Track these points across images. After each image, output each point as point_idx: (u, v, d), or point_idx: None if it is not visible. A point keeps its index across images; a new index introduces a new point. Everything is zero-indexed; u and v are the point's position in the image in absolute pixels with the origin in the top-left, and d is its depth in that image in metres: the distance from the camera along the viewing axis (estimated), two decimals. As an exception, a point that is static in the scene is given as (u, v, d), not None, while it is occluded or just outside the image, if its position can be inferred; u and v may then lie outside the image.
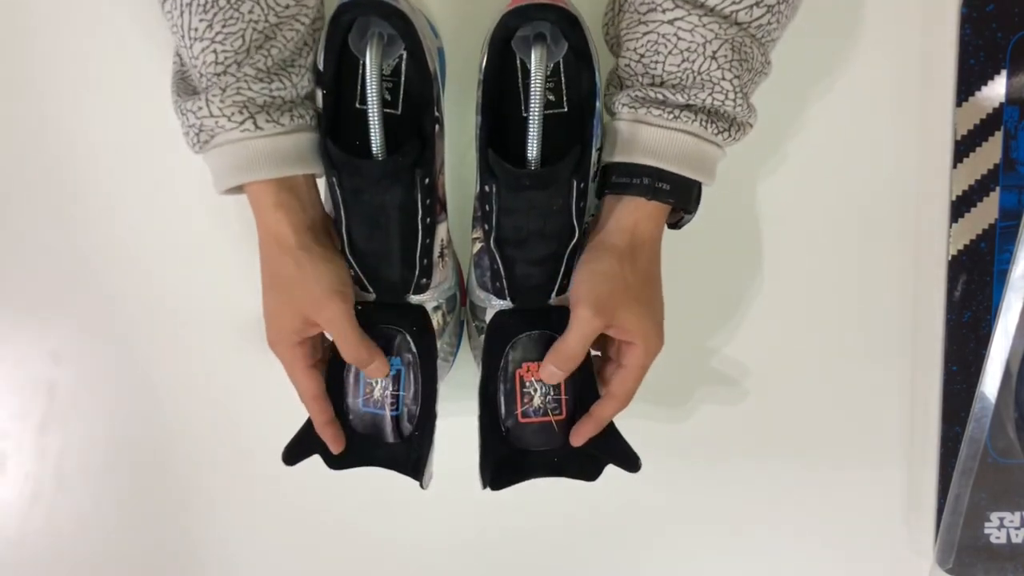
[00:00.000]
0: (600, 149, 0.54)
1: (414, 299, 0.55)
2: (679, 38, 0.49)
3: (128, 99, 0.62)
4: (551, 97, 0.54)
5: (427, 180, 0.51)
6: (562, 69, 0.54)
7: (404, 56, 0.54)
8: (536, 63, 0.50)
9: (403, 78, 0.55)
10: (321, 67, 0.52)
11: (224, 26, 0.48)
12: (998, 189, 0.64)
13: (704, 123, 0.50)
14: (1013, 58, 0.62)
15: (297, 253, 0.51)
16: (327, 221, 0.54)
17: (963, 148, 0.63)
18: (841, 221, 0.64)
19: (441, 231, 0.55)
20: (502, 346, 0.55)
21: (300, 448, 0.56)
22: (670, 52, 0.50)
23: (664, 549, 0.69)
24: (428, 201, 0.52)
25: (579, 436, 0.54)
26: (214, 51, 0.48)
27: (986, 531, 0.66)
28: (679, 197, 0.52)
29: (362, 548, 0.69)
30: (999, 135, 0.63)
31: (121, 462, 0.67)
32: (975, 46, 0.62)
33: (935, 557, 0.67)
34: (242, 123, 0.48)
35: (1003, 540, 0.66)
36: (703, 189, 0.53)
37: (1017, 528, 0.66)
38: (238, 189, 0.51)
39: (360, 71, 0.54)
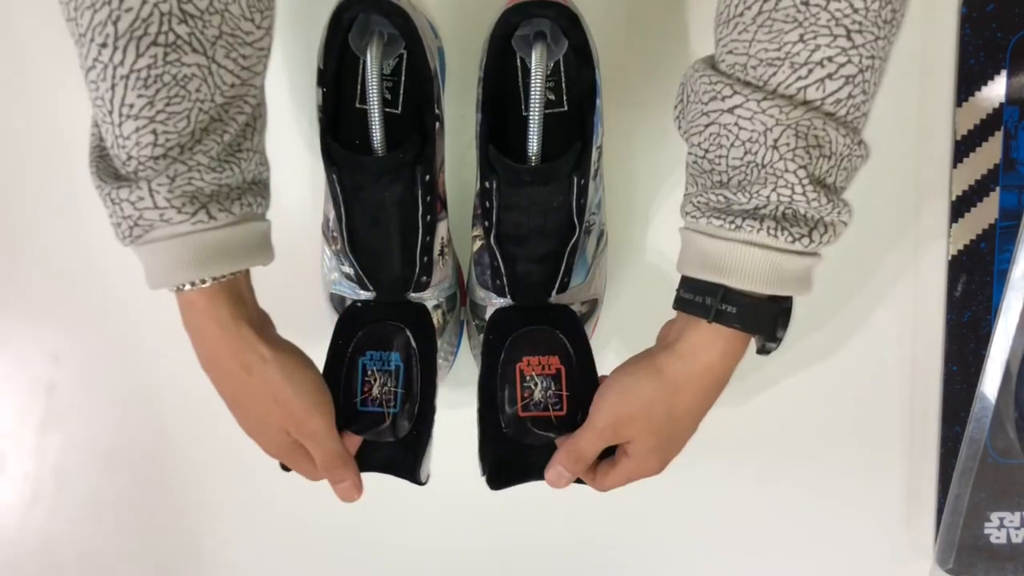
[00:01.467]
0: (600, 147, 0.54)
1: (414, 297, 0.55)
2: (740, 128, 0.42)
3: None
4: (551, 96, 0.54)
5: (427, 177, 0.51)
6: (562, 68, 0.54)
7: (404, 55, 0.54)
8: (536, 61, 0.50)
9: (403, 77, 0.55)
10: (321, 66, 0.52)
11: (168, 104, 0.42)
12: (998, 189, 0.64)
13: (773, 231, 0.43)
14: (1013, 58, 0.62)
15: (260, 368, 0.47)
16: (264, 316, 0.50)
17: (963, 148, 0.63)
18: (841, 221, 0.64)
19: (441, 229, 0.55)
20: (502, 340, 0.55)
21: None
22: (732, 145, 0.43)
23: (663, 549, 0.69)
24: (428, 198, 0.52)
25: (550, 472, 0.52)
26: (153, 131, 0.42)
27: (986, 531, 0.66)
28: (749, 321, 0.45)
29: (363, 548, 0.69)
30: (999, 135, 0.63)
31: (121, 462, 0.67)
32: (975, 46, 0.62)
33: (935, 557, 0.67)
34: (194, 214, 0.43)
35: (1003, 540, 0.66)
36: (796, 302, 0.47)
37: (1017, 528, 0.66)
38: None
39: (360, 70, 0.54)
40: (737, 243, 0.43)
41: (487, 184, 0.51)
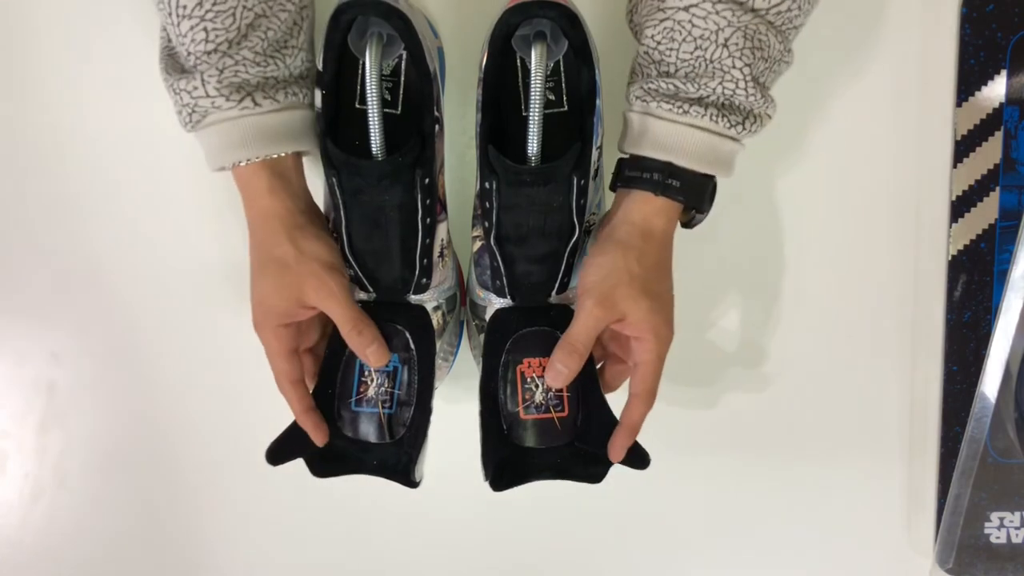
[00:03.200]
0: (600, 147, 0.54)
1: (414, 299, 0.55)
2: (693, 25, 0.48)
3: (129, 99, 0.62)
4: (551, 96, 0.54)
5: (427, 180, 0.51)
6: (562, 68, 0.54)
7: (404, 56, 0.54)
8: (536, 61, 0.50)
9: (403, 78, 0.55)
10: (320, 67, 0.52)
11: (215, 4, 0.47)
12: (998, 189, 0.64)
13: (715, 117, 0.49)
14: (1013, 58, 0.62)
15: (292, 232, 0.51)
16: (315, 205, 0.54)
17: (963, 148, 0.63)
18: (841, 221, 0.64)
19: (441, 231, 0.55)
20: (502, 342, 0.55)
21: (285, 448, 0.55)
22: (684, 40, 0.49)
23: (662, 548, 0.69)
24: (428, 201, 0.52)
25: (617, 449, 0.53)
26: (204, 30, 0.48)
27: (986, 531, 0.66)
28: (689, 195, 0.51)
29: (363, 549, 0.69)
30: (999, 135, 0.63)
31: (121, 462, 0.67)
32: (975, 46, 0.62)
33: (935, 557, 0.67)
34: (240, 102, 0.49)
35: (1003, 540, 0.66)
36: (718, 184, 0.53)
37: (1017, 528, 0.66)
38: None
39: (360, 71, 0.54)
40: (683, 126, 0.50)
41: (487, 185, 0.51)
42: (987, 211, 0.64)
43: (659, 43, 0.50)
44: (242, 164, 0.51)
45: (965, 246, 0.64)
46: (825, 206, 0.64)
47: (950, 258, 0.64)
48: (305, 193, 0.54)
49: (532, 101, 0.50)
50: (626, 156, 0.53)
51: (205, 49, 0.48)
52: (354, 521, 0.68)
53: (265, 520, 0.68)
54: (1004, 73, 0.62)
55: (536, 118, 0.51)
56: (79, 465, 0.67)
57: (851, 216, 0.64)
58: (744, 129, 0.50)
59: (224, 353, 0.65)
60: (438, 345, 0.57)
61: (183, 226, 0.64)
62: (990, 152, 0.63)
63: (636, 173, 0.51)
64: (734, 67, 0.48)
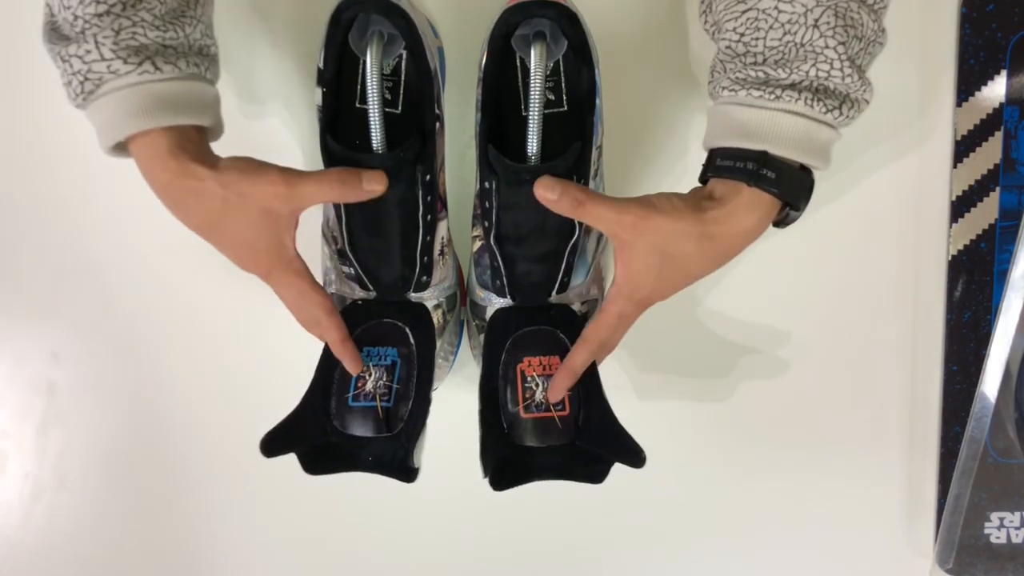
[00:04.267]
0: (600, 147, 0.54)
1: (414, 297, 0.55)
2: (779, 11, 0.46)
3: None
4: (551, 96, 0.54)
5: (428, 177, 0.51)
6: (562, 68, 0.54)
7: (404, 56, 0.54)
8: (536, 61, 0.50)
9: (403, 77, 0.55)
10: (321, 65, 0.52)
11: None
12: (998, 189, 0.64)
13: (810, 101, 0.46)
14: (1013, 58, 0.62)
15: (215, 162, 0.48)
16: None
17: (963, 148, 0.63)
18: (841, 221, 0.64)
19: (441, 229, 0.55)
20: (502, 341, 0.55)
21: (281, 440, 0.53)
22: (771, 27, 0.46)
23: (660, 548, 0.69)
24: (429, 198, 0.52)
25: (554, 390, 0.53)
26: None
27: (986, 531, 0.66)
28: (785, 187, 0.48)
29: (364, 549, 0.69)
30: (999, 135, 0.63)
31: (121, 462, 0.67)
32: (975, 46, 0.62)
33: (935, 557, 0.67)
34: (140, 64, 0.45)
35: (1003, 540, 0.66)
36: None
37: (1017, 528, 0.66)
38: (124, 151, 0.48)
39: (360, 70, 0.54)
40: (777, 111, 0.47)
41: (487, 184, 0.51)
42: (987, 211, 0.64)
43: (743, 35, 0.48)
44: (141, 135, 0.47)
45: (965, 246, 0.64)
46: (825, 206, 0.64)
47: (950, 258, 0.64)
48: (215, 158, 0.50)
49: (532, 101, 0.50)
50: (716, 147, 0.50)
51: (96, 11, 0.44)
52: (355, 521, 0.68)
53: (265, 520, 0.68)
54: (1004, 73, 0.62)
55: (536, 118, 0.50)
56: (79, 465, 0.67)
57: (851, 216, 0.64)
58: (841, 115, 0.47)
59: (225, 353, 0.65)
60: (438, 344, 0.57)
61: (184, 226, 0.64)
62: (990, 152, 0.63)
63: (728, 163, 0.48)
64: (827, 47, 0.46)
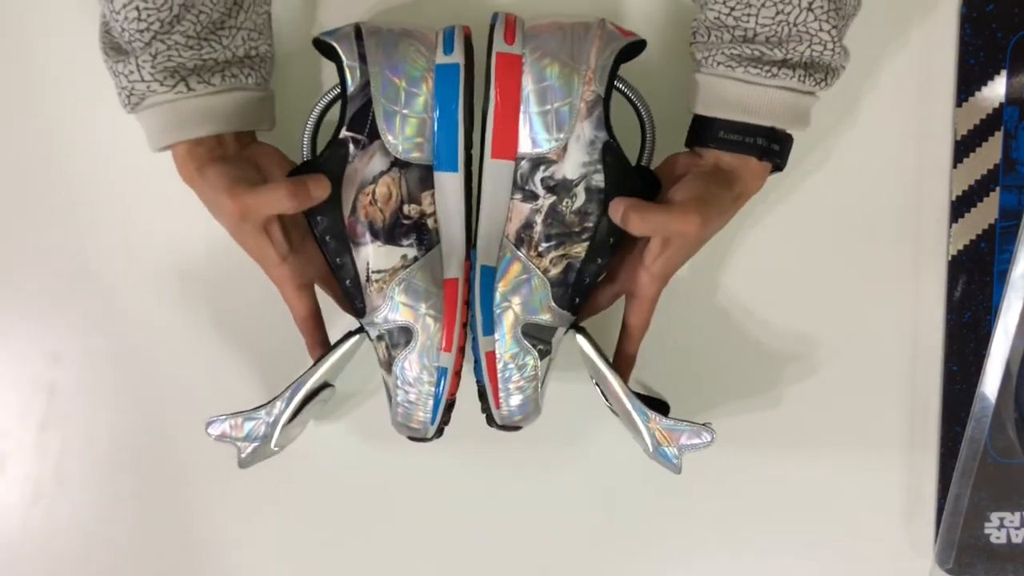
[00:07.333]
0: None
1: (364, 322, 0.55)
2: None
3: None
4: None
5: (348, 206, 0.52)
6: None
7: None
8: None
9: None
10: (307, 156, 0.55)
11: None
12: (998, 189, 0.64)
13: (803, 78, 0.50)
14: (1013, 58, 0.62)
15: (204, 188, 0.52)
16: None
17: (963, 148, 0.63)
18: (841, 221, 0.64)
19: (367, 255, 0.53)
20: None
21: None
22: (763, 5, 0.49)
23: (659, 547, 0.69)
24: (319, 218, 0.53)
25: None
26: (136, 8, 0.48)
27: (986, 531, 0.66)
28: (784, 157, 0.53)
29: (364, 549, 0.69)
30: (999, 135, 0.63)
31: (121, 462, 0.67)
32: (975, 46, 0.62)
33: (935, 557, 0.67)
34: (174, 86, 0.50)
35: (1003, 540, 0.66)
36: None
37: (1017, 528, 0.66)
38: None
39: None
40: (774, 88, 0.50)
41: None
42: (987, 211, 0.64)
43: (732, 9, 0.50)
44: (180, 144, 0.51)
45: (965, 246, 0.64)
46: (825, 206, 0.64)
47: (950, 258, 0.64)
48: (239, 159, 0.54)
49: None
50: (718, 119, 0.52)
51: (138, 28, 0.48)
52: (356, 521, 0.68)
53: (266, 521, 0.68)
54: (1004, 73, 0.62)
55: None
56: (79, 465, 0.67)
57: (851, 216, 0.64)
58: (825, 84, 0.51)
59: (225, 353, 0.65)
60: (383, 375, 0.55)
61: (185, 226, 0.64)
62: (990, 152, 0.63)
63: (736, 136, 0.52)
64: (821, 30, 0.49)
